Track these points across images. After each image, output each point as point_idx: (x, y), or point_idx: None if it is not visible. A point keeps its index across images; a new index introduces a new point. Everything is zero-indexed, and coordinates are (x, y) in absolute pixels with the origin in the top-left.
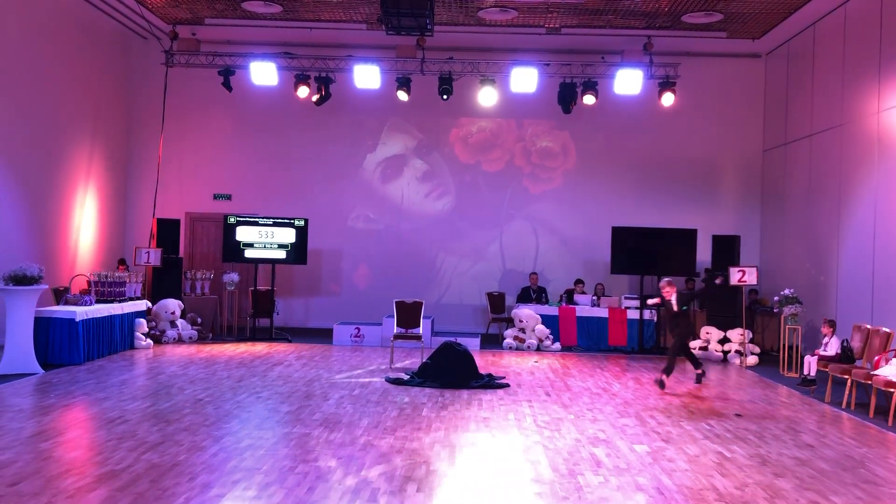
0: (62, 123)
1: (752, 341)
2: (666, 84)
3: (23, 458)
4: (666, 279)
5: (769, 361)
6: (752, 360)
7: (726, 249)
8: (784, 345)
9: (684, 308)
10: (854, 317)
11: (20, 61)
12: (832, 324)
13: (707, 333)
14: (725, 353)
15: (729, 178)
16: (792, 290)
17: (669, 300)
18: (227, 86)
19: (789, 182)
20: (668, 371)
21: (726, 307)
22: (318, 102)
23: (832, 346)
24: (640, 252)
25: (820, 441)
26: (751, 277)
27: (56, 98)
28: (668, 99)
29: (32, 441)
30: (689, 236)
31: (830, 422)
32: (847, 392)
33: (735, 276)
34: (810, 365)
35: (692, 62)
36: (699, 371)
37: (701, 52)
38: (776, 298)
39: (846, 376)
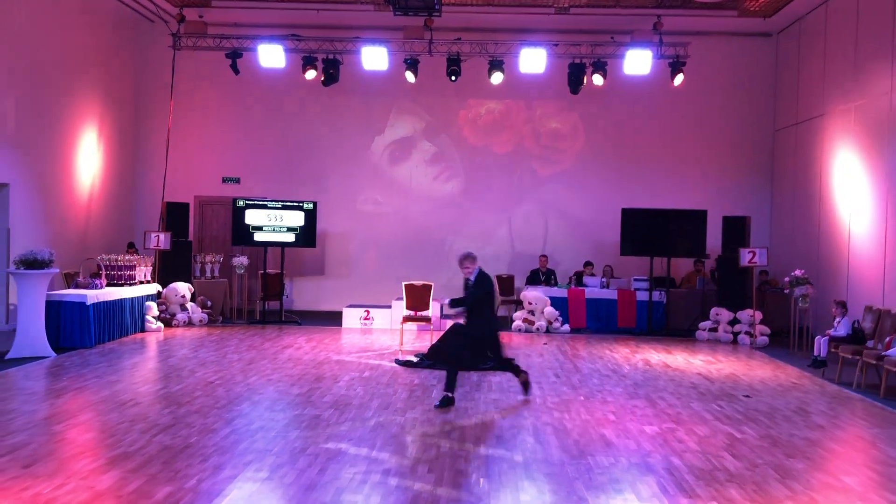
0: (71, 108)
1: (762, 322)
2: (676, 64)
3: (36, 441)
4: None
5: (780, 342)
6: (762, 340)
7: (736, 230)
8: (794, 326)
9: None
10: (865, 298)
11: (28, 46)
12: (843, 305)
13: (717, 314)
14: (735, 334)
15: (739, 159)
16: (802, 271)
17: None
18: (235, 68)
19: (800, 162)
20: (449, 387)
21: (736, 288)
22: (326, 83)
23: (843, 327)
24: (650, 234)
25: (831, 422)
26: (761, 258)
27: (64, 82)
28: (678, 79)
29: (45, 423)
30: (699, 217)
31: (841, 402)
32: (858, 373)
33: (745, 256)
34: (821, 346)
35: (702, 41)
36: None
37: (711, 30)
38: (787, 279)
39: (857, 357)
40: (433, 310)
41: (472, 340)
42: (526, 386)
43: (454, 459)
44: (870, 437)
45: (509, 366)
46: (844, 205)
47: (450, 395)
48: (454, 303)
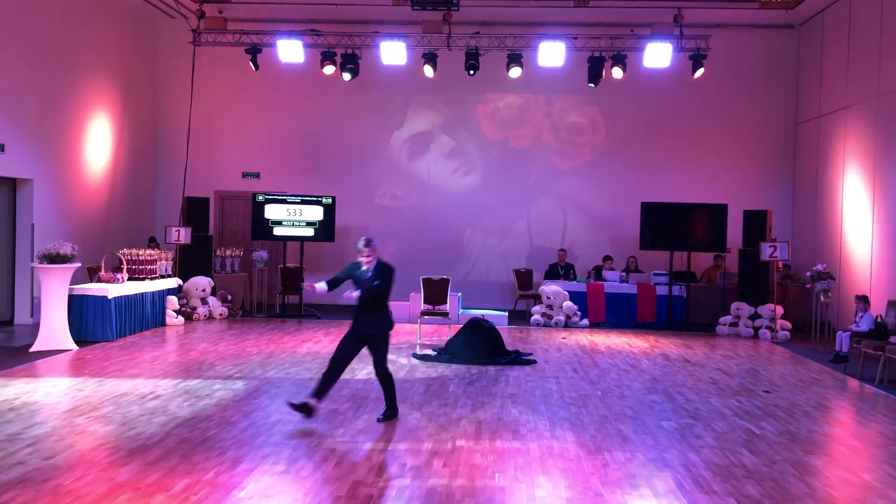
0: (92, 104)
1: (783, 317)
2: (697, 56)
3: (58, 433)
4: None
5: (801, 337)
6: (783, 335)
7: (757, 224)
8: (816, 321)
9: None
10: (888, 292)
11: (48, 43)
12: (865, 299)
13: (738, 309)
14: (756, 329)
15: (761, 152)
16: (824, 266)
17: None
18: (255, 64)
19: (823, 155)
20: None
21: (758, 283)
22: (349, 77)
23: (865, 322)
24: (670, 228)
25: (851, 418)
26: (782, 253)
27: (86, 79)
28: (698, 72)
29: (67, 416)
30: (720, 211)
31: (862, 398)
32: (880, 368)
33: (766, 251)
34: (843, 341)
35: (723, 34)
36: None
37: (732, 23)
38: (808, 274)
39: (879, 352)
40: (451, 304)
41: (357, 338)
42: (388, 414)
43: (470, 454)
44: (891, 434)
45: (387, 380)
46: (867, 198)
47: (311, 402)
48: (367, 293)
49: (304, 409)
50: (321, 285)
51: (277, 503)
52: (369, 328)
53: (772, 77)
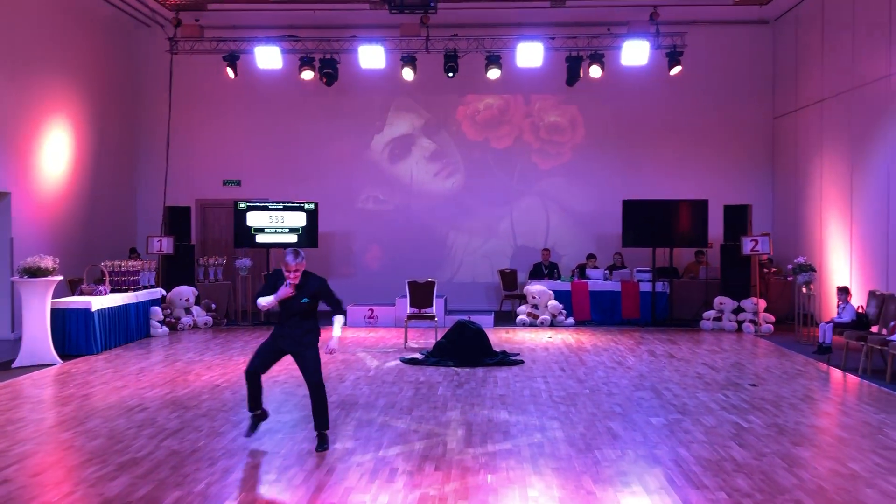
0: (69, 115)
1: (766, 310)
2: (673, 54)
3: (44, 449)
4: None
5: (784, 330)
6: (766, 328)
7: (738, 219)
8: (799, 313)
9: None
10: (869, 283)
11: (25, 53)
12: (846, 291)
13: (721, 304)
14: (740, 322)
15: (739, 147)
16: (805, 258)
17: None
18: (233, 71)
19: (801, 148)
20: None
21: (740, 277)
22: (328, 83)
23: (847, 313)
24: (652, 225)
25: (837, 408)
26: (763, 246)
27: (63, 89)
28: (675, 69)
29: (53, 431)
30: (701, 207)
31: (847, 389)
32: (863, 358)
33: (748, 245)
34: (825, 332)
35: (699, 30)
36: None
37: (708, 19)
38: (790, 266)
39: (862, 343)
40: (437, 306)
41: (275, 352)
42: (321, 442)
43: (461, 456)
44: (876, 423)
45: (320, 395)
46: (846, 190)
47: (257, 412)
48: (294, 310)
49: (259, 420)
50: (269, 299)
51: None
52: (293, 346)
53: (748, 72)
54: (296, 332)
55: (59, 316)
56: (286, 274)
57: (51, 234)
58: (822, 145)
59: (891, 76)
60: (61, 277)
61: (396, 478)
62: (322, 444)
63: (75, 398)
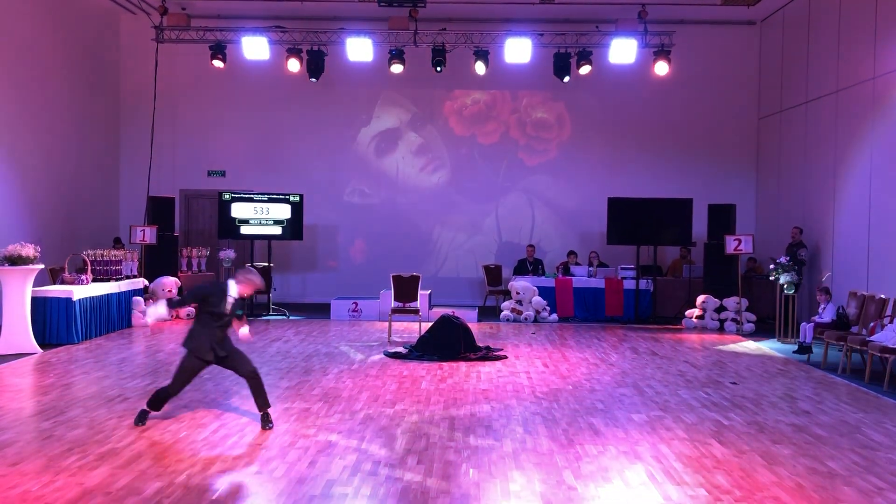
0: (53, 102)
1: (748, 309)
2: (660, 52)
3: (24, 438)
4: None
5: (766, 329)
6: (748, 327)
7: (722, 218)
8: (780, 312)
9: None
10: (850, 283)
11: (8, 40)
12: (827, 291)
13: (703, 302)
14: (722, 321)
15: (724, 147)
16: (787, 258)
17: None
18: (221, 60)
19: (785, 149)
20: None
21: (723, 276)
22: (313, 75)
23: (828, 313)
24: (636, 222)
25: (816, 407)
26: (747, 246)
27: (46, 76)
28: (662, 68)
29: (33, 420)
30: (685, 206)
31: (827, 388)
32: (843, 358)
33: (731, 244)
34: (806, 332)
35: (687, 30)
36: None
37: (696, 19)
38: (771, 266)
39: (842, 343)
40: (421, 301)
41: (205, 363)
42: (265, 420)
43: (443, 450)
44: (854, 422)
45: (258, 380)
46: (828, 191)
47: (146, 409)
48: (228, 319)
49: (145, 416)
50: (161, 309)
51: None
52: (226, 349)
53: (734, 73)
54: (224, 338)
55: (39, 304)
56: (237, 287)
57: (32, 223)
58: (806, 147)
59: (876, 78)
60: (42, 266)
61: (378, 470)
62: (267, 422)
63: (55, 387)
